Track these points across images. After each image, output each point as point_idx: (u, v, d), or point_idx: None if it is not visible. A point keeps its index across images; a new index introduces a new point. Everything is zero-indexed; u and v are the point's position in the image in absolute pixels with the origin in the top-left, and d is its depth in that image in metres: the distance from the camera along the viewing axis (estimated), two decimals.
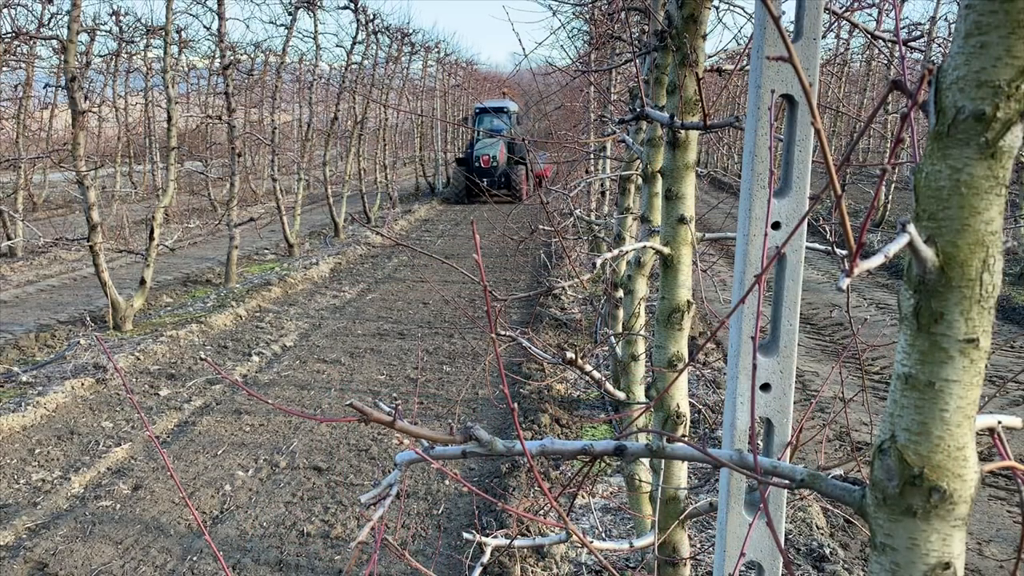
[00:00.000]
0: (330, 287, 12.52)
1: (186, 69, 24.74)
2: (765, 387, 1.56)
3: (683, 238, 2.37)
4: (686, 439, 2.43)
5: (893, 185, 18.21)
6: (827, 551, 4.51)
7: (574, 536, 1.25)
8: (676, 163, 2.38)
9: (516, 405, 1.41)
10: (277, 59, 16.70)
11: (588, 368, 2.41)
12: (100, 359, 8.09)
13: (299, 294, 11.99)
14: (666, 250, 2.37)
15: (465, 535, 1.81)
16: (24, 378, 7.76)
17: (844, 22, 2.72)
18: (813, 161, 1.55)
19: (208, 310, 10.55)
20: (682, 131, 2.32)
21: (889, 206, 17.28)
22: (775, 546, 1.53)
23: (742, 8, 3.88)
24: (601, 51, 7.69)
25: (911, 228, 0.82)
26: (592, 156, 9.56)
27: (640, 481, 3.30)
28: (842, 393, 2.36)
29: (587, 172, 10.55)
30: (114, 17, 17.50)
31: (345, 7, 16.75)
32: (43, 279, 12.81)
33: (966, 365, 0.86)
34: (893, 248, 0.81)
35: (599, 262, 2.07)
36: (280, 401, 7.32)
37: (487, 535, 1.88)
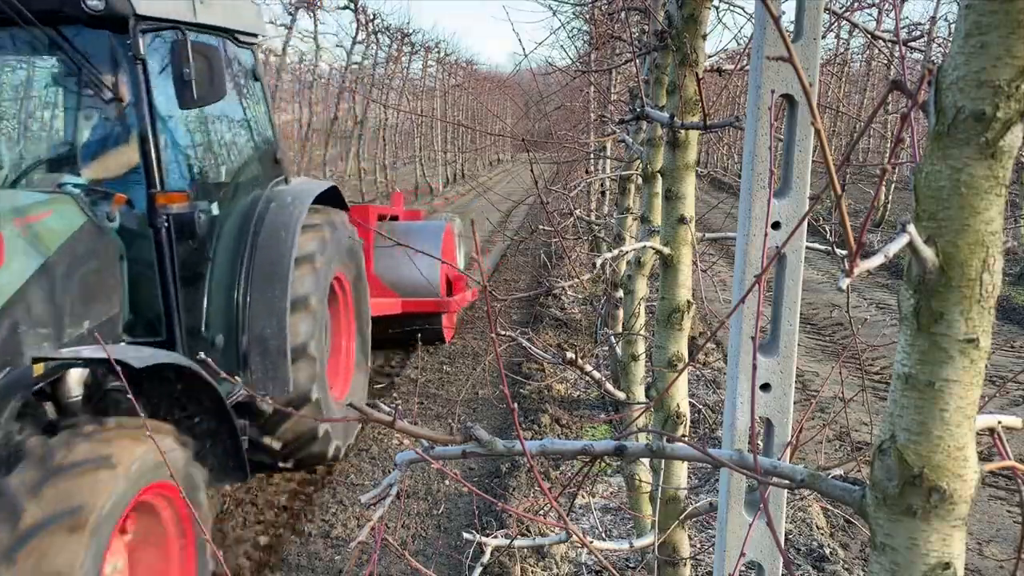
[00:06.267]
0: None
1: None
2: (765, 387, 1.56)
3: (683, 238, 2.37)
4: (686, 439, 2.43)
5: (893, 185, 18.21)
6: (827, 551, 4.50)
7: (574, 536, 1.26)
8: (676, 163, 2.38)
9: (516, 405, 1.41)
10: (277, 59, 16.72)
11: (588, 368, 2.41)
12: None
13: None
14: (666, 250, 2.37)
15: (465, 535, 1.81)
16: None
17: (844, 22, 2.73)
18: (813, 161, 1.55)
19: None
20: (682, 131, 2.31)
21: (889, 206, 17.27)
22: (775, 546, 1.53)
23: (742, 8, 3.86)
24: (601, 51, 7.69)
25: (911, 228, 0.82)
26: (592, 156, 9.56)
27: (640, 481, 3.30)
28: (842, 393, 2.36)
29: (587, 172, 10.55)
30: None
31: (345, 7, 16.76)
32: None
33: (966, 365, 0.86)
34: (893, 248, 0.81)
35: (599, 262, 2.07)
36: None
37: (487, 535, 1.88)
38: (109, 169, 4.37)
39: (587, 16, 6.81)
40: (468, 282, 9.10)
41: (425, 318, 8.09)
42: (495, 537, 1.96)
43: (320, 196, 5.48)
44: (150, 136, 4.07)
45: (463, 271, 9.04)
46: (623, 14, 5.04)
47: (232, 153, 5.14)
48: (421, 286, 7.77)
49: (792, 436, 1.58)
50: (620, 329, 5.80)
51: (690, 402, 2.82)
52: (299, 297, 4.93)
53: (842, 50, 19.29)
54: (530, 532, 4.58)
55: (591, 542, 1.73)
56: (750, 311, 1.49)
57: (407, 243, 7.36)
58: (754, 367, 1.30)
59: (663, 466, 2.40)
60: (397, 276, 7.81)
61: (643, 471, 3.27)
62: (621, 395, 3.38)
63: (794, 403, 1.59)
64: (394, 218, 8.59)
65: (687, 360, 2.40)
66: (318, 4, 15.32)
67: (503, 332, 2.22)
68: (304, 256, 5.07)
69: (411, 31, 22.32)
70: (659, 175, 3.10)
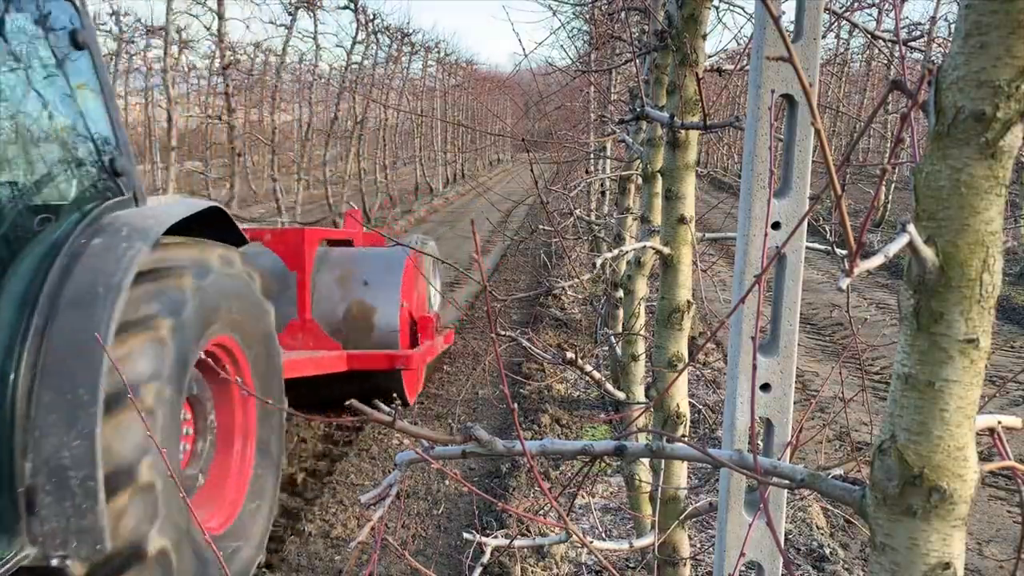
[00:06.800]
0: None
1: (186, 69, 24.74)
2: (765, 387, 1.56)
3: (683, 238, 2.37)
4: (686, 439, 2.44)
5: (893, 185, 18.20)
6: (827, 551, 4.50)
7: (574, 536, 1.26)
8: (676, 163, 2.38)
9: (516, 405, 1.41)
10: (277, 59, 16.72)
11: (588, 368, 2.41)
12: None
13: None
14: (666, 250, 2.37)
15: (465, 535, 1.81)
16: None
17: (844, 22, 2.73)
18: (813, 161, 1.55)
19: None
20: (682, 131, 2.32)
21: (889, 206, 17.27)
22: (775, 546, 1.53)
23: (742, 8, 3.86)
24: (601, 51, 7.69)
25: (911, 228, 0.82)
26: (592, 156, 9.57)
27: (640, 481, 3.30)
28: (842, 393, 2.36)
29: (587, 172, 10.55)
30: (114, 17, 17.51)
31: (345, 7, 16.74)
32: None
33: (966, 365, 0.86)
34: (893, 248, 0.81)
35: (599, 262, 2.07)
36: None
37: (487, 535, 1.89)
38: None
39: (587, 16, 6.81)
40: (439, 326, 7.10)
41: (379, 376, 6.07)
42: (495, 537, 1.96)
43: (208, 222, 3.85)
44: None
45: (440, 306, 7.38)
46: (623, 14, 5.04)
47: (15, 161, 3.27)
48: (374, 334, 6.05)
49: (792, 436, 1.58)
50: (620, 329, 5.80)
51: (690, 402, 2.83)
52: (122, 388, 2.94)
53: (842, 50, 19.29)
54: (530, 532, 4.59)
55: (591, 542, 1.73)
56: (750, 311, 1.49)
57: (355, 277, 6.04)
58: (754, 367, 1.30)
59: (663, 466, 2.40)
60: (342, 321, 6.02)
61: (643, 471, 3.27)
62: (621, 395, 3.38)
63: (794, 403, 1.59)
64: (348, 243, 6.77)
65: (687, 360, 2.40)
66: (318, 4, 15.31)
67: (503, 332, 2.22)
68: (134, 321, 3.13)
69: (411, 31, 22.30)
70: (659, 175, 3.10)
